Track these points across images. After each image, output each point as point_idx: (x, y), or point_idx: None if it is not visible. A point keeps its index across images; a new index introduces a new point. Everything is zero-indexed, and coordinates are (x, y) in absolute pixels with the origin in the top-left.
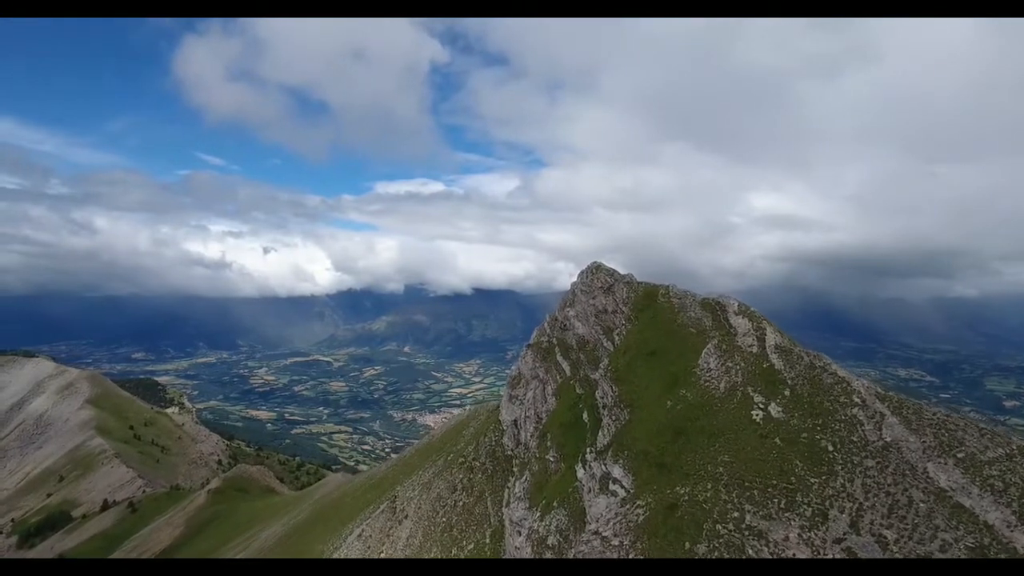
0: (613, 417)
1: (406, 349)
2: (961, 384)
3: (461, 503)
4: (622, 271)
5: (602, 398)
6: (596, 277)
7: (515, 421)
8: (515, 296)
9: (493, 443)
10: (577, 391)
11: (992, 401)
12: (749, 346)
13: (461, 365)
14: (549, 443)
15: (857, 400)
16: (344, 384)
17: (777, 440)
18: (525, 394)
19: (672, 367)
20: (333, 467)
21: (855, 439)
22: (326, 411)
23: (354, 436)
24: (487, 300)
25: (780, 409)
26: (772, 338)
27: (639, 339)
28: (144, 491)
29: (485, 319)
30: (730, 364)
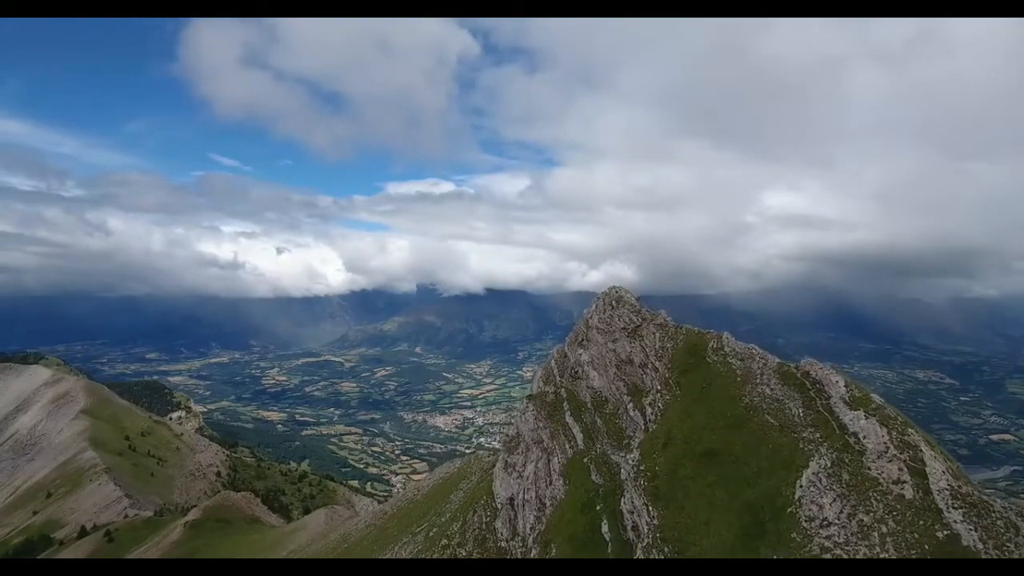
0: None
1: (417, 350)
2: (981, 387)
3: None
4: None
5: (631, 514)
6: (617, 313)
7: (511, 500)
8: (527, 296)
9: (483, 525)
10: (593, 479)
11: (1014, 404)
12: (895, 483)
13: (472, 366)
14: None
15: None
16: (355, 385)
17: None
18: (525, 465)
19: (748, 491)
20: (342, 469)
21: None
22: (337, 412)
23: (364, 438)
24: (499, 300)
25: None
26: (940, 473)
27: (687, 425)
28: (127, 514)
29: (496, 320)
30: (864, 516)
